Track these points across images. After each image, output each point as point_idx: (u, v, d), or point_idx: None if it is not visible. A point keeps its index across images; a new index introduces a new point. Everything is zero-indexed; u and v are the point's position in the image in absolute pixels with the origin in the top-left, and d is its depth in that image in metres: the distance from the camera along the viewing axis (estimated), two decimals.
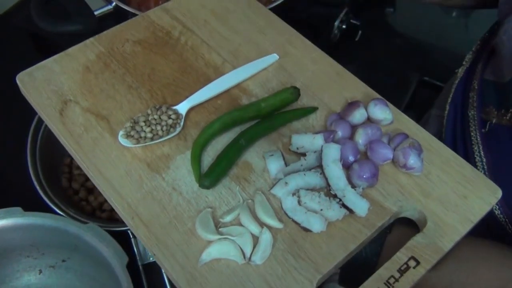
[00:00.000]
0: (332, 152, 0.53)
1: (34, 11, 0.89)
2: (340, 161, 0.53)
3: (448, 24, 1.20)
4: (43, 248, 0.71)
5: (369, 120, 0.57)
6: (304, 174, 0.52)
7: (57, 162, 0.83)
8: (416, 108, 1.00)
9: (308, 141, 0.54)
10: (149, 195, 0.51)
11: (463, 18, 1.20)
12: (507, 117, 0.61)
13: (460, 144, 0.67)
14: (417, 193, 0.53)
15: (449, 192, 0.53)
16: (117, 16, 0.92)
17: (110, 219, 0.79)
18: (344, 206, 0.50)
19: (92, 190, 0.81)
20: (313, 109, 0.58)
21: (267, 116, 0.57)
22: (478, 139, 0.64)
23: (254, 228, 0.49)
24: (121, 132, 0.55)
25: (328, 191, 0.51)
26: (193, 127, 0.57)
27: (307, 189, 0.51)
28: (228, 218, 0.50)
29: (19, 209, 0.67)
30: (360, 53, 1.05)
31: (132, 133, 0.54)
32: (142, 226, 0.49)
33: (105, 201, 0.78)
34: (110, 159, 0.54)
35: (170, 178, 0.53)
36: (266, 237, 0.48)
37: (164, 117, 0.55)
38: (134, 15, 0.88)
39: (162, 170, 0.53)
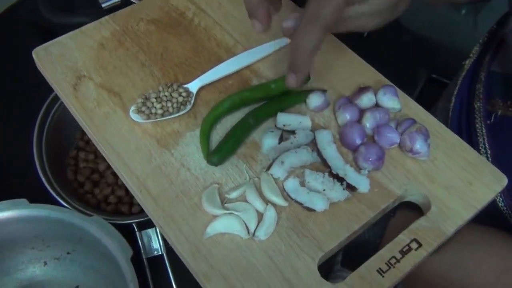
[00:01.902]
0: (325, 136, 0.54)
1: (41, 3, 0.90)
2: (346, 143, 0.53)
3: (457, 21, 1.20)
4: (48, 240, 0.72)
5: (377, 106, 0.57)
6: (296, 152, 0.53)
7: (63, 154, 0.84)
8: (424, 105, 0.99)
9: (295, 121, 0.55)
10: (158, 170, 0.52)
11: (472, 15, 1.19)
12: None
13: (465, 135, 0.67)
14: (422, 177, 0.53)
15: (454, 177, 0.53)
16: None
17: (115, 212, 0.79)
18: (348, 185, 0.51)
19: (97, 183, 0.82)
20: (322, 92, 0.59)
21: (276, 97, 0.58)
22: (484, 131, 0.64)
23: (259, 205, 0.50)
24: (132, 108, 0.56)
25: (330, 172, 0.52)
26: (203, 106, 0.58)
27: (302, 166, 0.53)
28: (234, 194, 0.51)
29: (24, 200, 0.68)
30: (368, 49, 1.04)
31: (143, 108, 0.55)
32: (150, 199, 0.50)
33: (111, 194, 0.80)
34: (121, 133, 0.55)
35: (179, 154, 0.54)
36: (270, 214, 0.49)
37: (175, 94, 0.56)
38: None
39: (171, 146, 0.54)
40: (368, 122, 0.55)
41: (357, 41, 1.03)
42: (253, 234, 0.48)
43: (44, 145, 0.79)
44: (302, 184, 0.51)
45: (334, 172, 0.52)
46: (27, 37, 1.01)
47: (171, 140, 0.55)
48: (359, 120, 0.56)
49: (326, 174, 0.51)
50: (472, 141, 0.66)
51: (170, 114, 0.55)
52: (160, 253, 0.73)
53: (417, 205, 0.54)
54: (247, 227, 0.48)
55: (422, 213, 0.53)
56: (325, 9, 0.43)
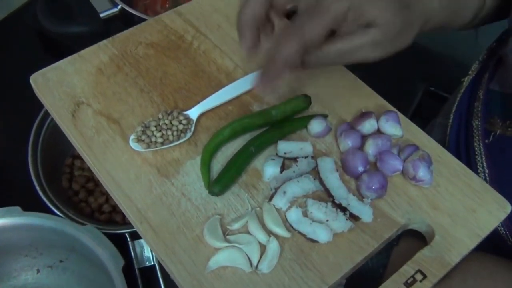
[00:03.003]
0: (327, 164, 0.54)
1: (40, 11, 0.91)
2: (349, 171, 0.53)
3: (457, 33, 1.19)
4: (41, 248, 0.72)
5: (379, 132, 0.57)
6: (298, 181, 0.52)
7: (59, 162, 0.84)
8: (422, 118, 0.99)
9: (296, 148, 0.55)
10: (159, 200, 0.52)
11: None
12: (510, 128, 0.60)
13: (463, 154, 0.67)
14: (426, 205, 0.53)
15: (458, 205, 0.53)
16: (123, 19, 0.93)
17: (109, 221, 0.79)
18: (351, 215, 0.51)
19: (92, 191, 0.82)
20: (324, 117, 0.58)
21: (278, 123, 0.57)
22: (482, 150, 0.63)
23: (262, 237, 0.49)
24: (132, 136, 0.55)
25: (333, 202, 0.52)
26: (203, 133, 0.57)
27: (305, 195, 0.52)
28: (236, 226, 0.50)
29: (18, 208, 0.68)
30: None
31: (143, 137, 0.54)
32: (151, 231, 0.50)
33: (105, 203, 0.80)
34: (121, 162, 0.54)
35: (179, 184, 0.53)
36: (273, 246, 0.48)
37: (175, 122, 0.55)
38: (140, 18, 0.89)
39: (172, 175, 0.54)
40: (370, 149, 0.55)
41: None
42: (256, 267, 0.48)
43: (39, 153, 0.79)
44: (305, 214, 0.51)
45: (337, 202, 0.51)
46: (28, 43, 1.02)
47: (172, 169, 0.54)
48: (361, 147, 0.56)
49: (329, 204, 0.51)
50: (470, 160, 0.65)
51: (170, 142, 0.55)
52: (152, 263, 0.73)
53: (420, 232, 0.53)
54: (250, 260, 0.48)
55: (426, 241, 0.53)
56: (308, 25, 0.44)
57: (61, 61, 0.62)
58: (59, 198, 0.75)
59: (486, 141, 0.64)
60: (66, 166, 0.84)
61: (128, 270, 0.66)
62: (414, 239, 0.54)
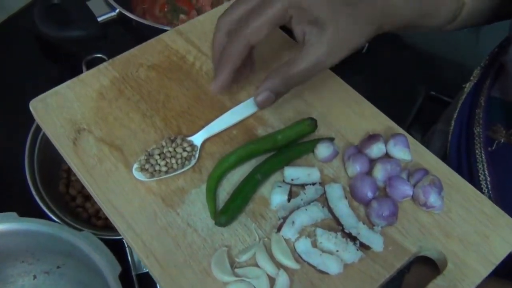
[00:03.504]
0: (335, 191, 0.53)
1: (38, 16, 0.90)
2: (357, 198, 0.52)
3: (458, 37, 1.17)
4: (38, 254, 0.72)
5: (387, 156, 0.56)
6: (306, 209, 0.51)
7: (56, 167, 0.83)
8: (422, 122, 0.98)
9: (303, 174, 0.54)
10: (164, 232, 0.51)
11: (474, 31, 1.17)
12: None
13: (464, 161, 0.66)
14: (437, 232, 0.52)
15: (470, 231, 0.52)
16: (121, 23, 0.92)
17: (106, 227, 0.79)
18: (361, 244, 0.49)
19: (89, 197, 0.81)
20: (330, 141, 0.57)
21: (283, 148, 0.56)
22: (483, 157, 0.62)
23: (271, 269, 0.48)
24: (135, 166, 0.54)
25: (343, 231, 0.50)
26: (208, 159, 0.56)
27: (313, 224, 0.51)
28: (244, 258, 0.49)
29: (14, 214, 0.68)
30: (367, 65, 1.03)
31: (147, 166, 0.53)
32: (157, 265, 0.49)
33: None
34: (124, 192, 0.53)
35: (185, 214, 0.52)
36: (282, 280, 0.47)
37: (179, 149, 0.54)
38: (138, 22, 0.88)
39: (177, 205, 0.52)
40: (379, 174, 0.54)
41: (356, 57, 1.01)
42: None
43: (36, 157, 0.78)
44: (314, 244, 0.50)
45: (347, 231, 0.50)
46: (26, 48, 1.01)
47: (176, 198, 0.53)
48: (369, 171, 0.55)
49: (339, 234, 0.50)
50: (471, 168, 0.64)
51: (175, 170, 0.54)
52: None
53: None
54: None
55: (437, 267, 0.52)
56: (251, 21, 0.50)
57: (61, 85, 0.61)
58: (56, 204, 0.75)
59: (489, 148, 0.62)
60: (63, 171, 0.84)
61: (125, 276, 0.66)
62: (425, 266, 0.52)
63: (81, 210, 0.80)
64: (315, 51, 0.49)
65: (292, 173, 0.54)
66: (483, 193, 0.60)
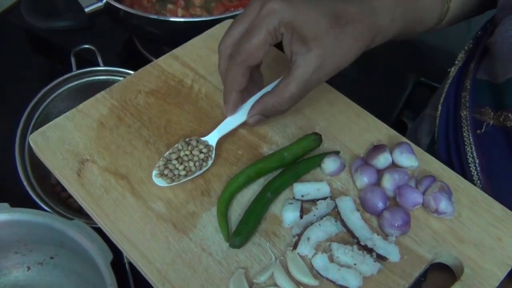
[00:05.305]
0: (347, 204, 0.53)
1: (24, 7, 0.89)
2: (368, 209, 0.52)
3: None
4: (31, 245, 0.72)
5: (394, 165, 0.56)
6: (320, 225, 0.51)
7: None
8: (413, 108, 0.98)
9: (313, 189, 0.54)
10: (178, 258, 0.50)
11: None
12: (501, 119, 0.59)
13: (453, 144, 0.66)
14: (451, 238, 0.52)
15: (483, 234, 0.52)
16: (108, 13, 0.91)
17: None
18: (377, 256, 0.49)
19: None
20: (336, 155, 0.57)
21: (291, 164, 0.56)
22: (471, 140, 0.62)
23: None
24: (154, 172, 0.54)
25: (359, 244, 0.50)
26: (216, 181, 0.55)
27: (328, 239, 0.51)
28: (262, 279, 0.48)
29: (6, 204, 0.68)
30: None
31: (166, 172, 0.53)
32: None
33: None
34: (134, 221, 0.52)
35: (197, 238, 0.51)
36: None
37: (195, 152, 0.55)
38: (126, 12, 0.86)
39: (189, 230, 0.52)
40: (388, 184, 0.54)
41: None
42: None
43: (27, 148, 0.79)
44: (331, 259, 0.49)
45: (363, 244, 0.50)
46: (16, 43, 1.02)
47: (188, 223, 0.52)
48: (377, 182, 0.55)
49: (355, 247, 0.49)
50: (460, 151, 0.64)
51: (193, 173, 0.54)
52: None
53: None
54: None
55: (453, 273, 0.52)
56: (245, 43, 0.51)
57: (60, 117, 0.60)
58: (48, 194, 0.76)
59: (478, 131, 0.62)
60: None
61: (117, 264, 0.65)
62: (441, 272, 0.52)
63: (73, 200, 0.79)
64: (301, 72, 0.50)
65: (302, 189, 0.54)
66: (472, 175, 0.61)
